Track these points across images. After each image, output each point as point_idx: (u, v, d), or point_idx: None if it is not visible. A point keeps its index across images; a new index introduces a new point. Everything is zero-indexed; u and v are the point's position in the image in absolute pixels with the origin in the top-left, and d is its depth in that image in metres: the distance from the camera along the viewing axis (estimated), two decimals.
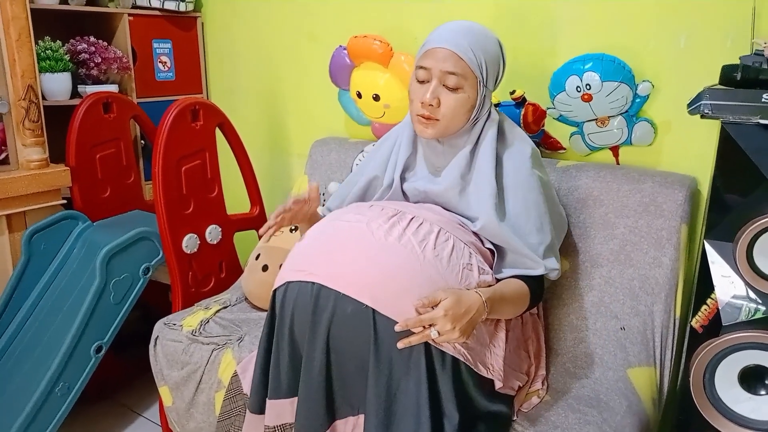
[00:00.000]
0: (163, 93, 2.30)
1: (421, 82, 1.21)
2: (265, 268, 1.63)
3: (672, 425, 1.36)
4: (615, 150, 1.58)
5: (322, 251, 1.16)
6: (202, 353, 1.51)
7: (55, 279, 1.82)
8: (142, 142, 2.27)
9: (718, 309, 1.20)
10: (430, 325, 1.02)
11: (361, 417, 1.13)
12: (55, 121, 2.00)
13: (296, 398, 1.15)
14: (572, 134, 1.61)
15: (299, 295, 1.12)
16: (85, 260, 1.79)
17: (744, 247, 1.14)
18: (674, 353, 1.39)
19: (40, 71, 1.93)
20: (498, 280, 1.21)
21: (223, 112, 1.90)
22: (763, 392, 1.18)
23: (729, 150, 1.15)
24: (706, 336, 1.21)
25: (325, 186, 1.94)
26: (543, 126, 1.62)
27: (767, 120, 1.10)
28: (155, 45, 2.28)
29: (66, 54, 2.03)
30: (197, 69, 2.44)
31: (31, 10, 1.80)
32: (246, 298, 1.73)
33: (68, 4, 2.07)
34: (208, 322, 1.60)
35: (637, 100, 1.48)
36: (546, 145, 1.66)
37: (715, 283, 1.20)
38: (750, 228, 1.13)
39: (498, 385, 1.18)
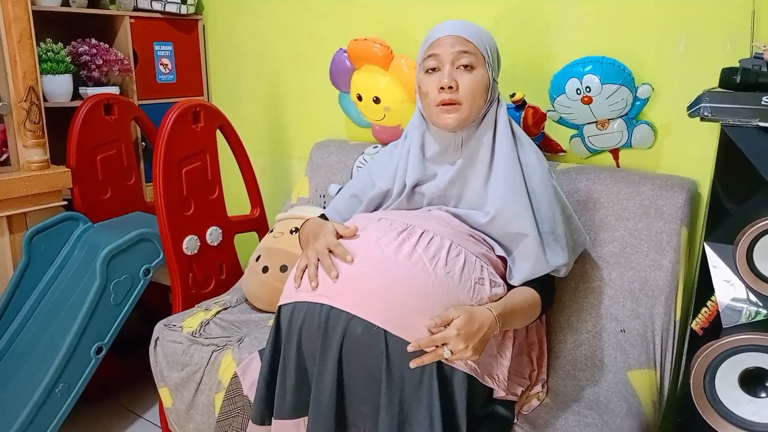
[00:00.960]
0: (164, 95, 2.31)
1: (432, 71, 1.21)
2: (265, 269, 1.63)
3: (672, 428, 1.36)
4: (615, 153, 1.58)
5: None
6: (202, 354, 1.51)
7: (56, 280, 1.83)
8: (143, 144, 2.28)
9: (718, 311, 1.20)
10: (443, 344, 1.02)
11: None
12: (56, 122, 2.01)
13: (300, 419, 1.15)
14: (572, 137, 1.61)
15: (307, 316, 1.10)
16: (86, 261, 1.79)
17: (744, 250, 1.14)
18: (674, 356, 1.39)
19: (41, 73, 1.93)
20: (510, 288, 1.21)
21: (223, 114, 1.90)
22: (763, 395, 1.18)
23: (729, 153, 1.15)
24: (707, 338, 1.21)
25: (325, 188, 1.94)
26: (543, 128, 1.62)
27: (767, 123, 1.10)
28: (156, 47, 2.28)
29: (67, 56, 2.04)
30: (198, 71, 2.45)
31: (33, 12, 1.80)
32: (246, 300, 1.73)
33: (70, 6, 2.07)
34: (208, 323, 1.60)
35: (637, 102, 1.48)
36: (546, 147, 1.66)
37: (715, 285, 1.20)
38: (750, 230, 1.13)
39: (501, 394, 1.17)
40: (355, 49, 1.76)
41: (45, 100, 1.96)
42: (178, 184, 1.75)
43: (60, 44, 2.01)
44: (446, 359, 1.03)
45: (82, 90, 2.11)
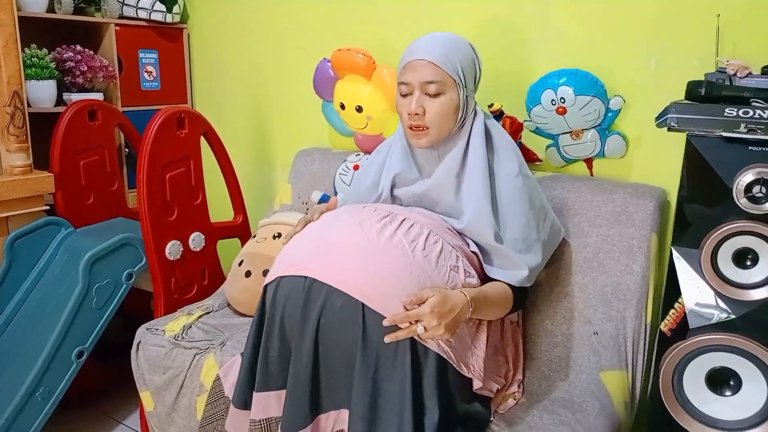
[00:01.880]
0: (148, 102, 2.33)
1: (405, 95, 1.27)
2: (248, 274, 1.65)
3: (645, 427, 1.41)
4: (589, 162, 1.64)
5: (315, 248, 1.19)
6: (185, 357, 1.52)
7: (37, 285, 1.83)
8: (126, 150, 2.29)
9: (685, 313, 1.25)
10: (417, 321, 1.07)
11: (343, 412, 1.16)
12: (40, 128, 2.01)
13: (282, 391, 1.18)
14: (548, 146, 1.67)
15: (292, 289, 1.15)
16: (68, 266, 1.80)
17: (709, 254, 1.20)
18: (645, 358, 1.44)
19: (26, 78, 1.94)
20: (483, 282, 1.26)
21: (207, 121, 1.93)
22: (728, 393, 1.23)
23: (694, 161, 1.22)
24: (675, 339, 1.26)
25: (308, 195, 1.97)
26: (520, 138, 1.67)
27: (729, 133, 1.16)
28: (141, 55, 2.30)
29: (52, 62, 2.05)
30: (182, 79, 2.47)
31: (19, 17, 1.82)
32: (229, 304, 1.75)
33: (55, 12, 2.09)
34: (190, 327, 1.62)
35: (610, 114, 1.54)
36: (523, 157, 1.71)
37: (682, 288, 1.25)
38: (714, 235, 1.19)
39: (477, 385, 1.21)
40: (338, 58, 1.80)
41: (29, 105, 1.97)
42: (161, 190, 1.76)
43: (45, 50, 2.03)
44: (419, 336, 1.08)
45: (66, 96, 2.12)
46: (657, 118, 1.28)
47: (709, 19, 1.39)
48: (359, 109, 1.82)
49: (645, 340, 1.44)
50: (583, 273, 1.49)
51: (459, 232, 1.28)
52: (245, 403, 1.25)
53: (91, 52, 2.15)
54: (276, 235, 1.70)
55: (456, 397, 1.19)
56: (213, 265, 1.95)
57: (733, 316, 1.21)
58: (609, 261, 1.47)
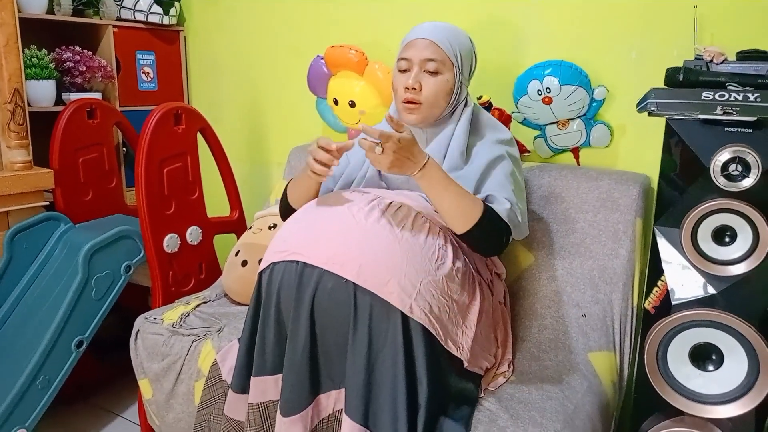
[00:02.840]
0: (145, 102, 2.37)
1: (403, 71, 1.32)
2: (244, 263, 1.69)
3: (631, 406, 1.45)
4: (575, 152, 1.69)
5: (305, 233, 1.23)
6: (183, 344, 1.55)
7: (37, 278, 1.86)
8: (124, 149, 2.33)
9: (667, 290, 1.29)
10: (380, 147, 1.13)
11: (343, 391, 1.19)
12: (40, 127, 2.05)
13: (279, 375, 1.21)
14: (536, 137, 1.72)
15: (285, 274, 1.19)
16: (67, 260, 1.83)
17: (689, 232, 1.24)
18: (632, 340, 1.48)
19: (26, 78, 1.99)
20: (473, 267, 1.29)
21: (204, 117, 1.97)
22: (711, 368, 1.27)
23: (673, 143, 1.26)
24: (658, 316, 1.30)
25: None
26: (509, 129, 1.72)
27: (707, 115, 1.21)
28: (139, 56, 2.35)
29: (51, 62, 2.09)
30: (179, 80, 2.52)
31: (19, 18, 1.87)
32: (226, 294, 1.78)
33: (55, 14, 2.14)
34: (188, 315, 1.65)
35: (594, 103, 1.59)
36: None
37: (664, 266, 1.29)
38: (693, 213, 1.23)
39: (465, 363, 1.25)
40: (331, 55, 1.85)
41: (29, 104, 2.01)
42: (159, 183, 1.80)
43: (44, 50, 2.07)
44: (370, 157, 1.15)
45: (65, 95, 2.16)
46: (638, 104, 1.33)
47: (686, 10, 1.45)
48: (352, 104, 1.87)
49: (632, 322, 1.48)
50: (570, 257, 1.54)
51: None
52: (243, 388, 1.28)
53: (90, 53, 2.19)
54: (271, 225, 1.74)
55: (447, 373, 1.22)
56: (210, 259, 1.98)
57: (713, 292, 1.25)
58: (595, 246, 1.52)
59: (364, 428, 1.14)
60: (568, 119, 1.62)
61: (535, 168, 1.65)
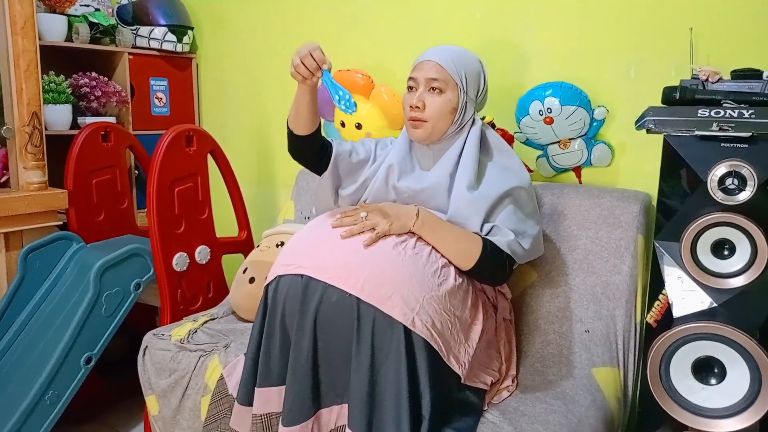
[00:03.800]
0: (157, 126, 2.43)
1: (411, 90, 1.38)
2: (251, 280, 1.71)
3: (635, 420, 1.44)
4: (577, 171, 1.72)
5: (310, 248, 1.26)
6: (190, 360, 1.57)
7: (49, 295, 1.89)
8: (136, 172, 2.39)
9: (669, 304, 1.31)
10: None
11: (345, 407, 1.19)
12: (55, 150, 2.11)
13: (283, 387, 1.22)
14: (538, 157, 1.75)
15: (290, 287, 1.22)
16: (78, 278, 1.86)
17: (688, 245, 1.26)
18: (636, 355, 1.49)
19: (44, 102, 2.05)
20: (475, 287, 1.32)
21: (214, 139, 2.02)
22: (713, 382, 1.27)
23: (671, 159, 1.29)
24: (660, 330, 1.31)
25: (309, 210, 2.05)
26: None
27: (703, 131, 1.24)
28: (152, 82, 2.43)
29: (68, 87, 2.16)
30: (191, 105, 2.59)
31: (40, 46, 1.95)
32: (233, 312, 1.80)
33: (73, 42, 2.22)
34: (196, 331, 1.67)
35: (594, 123, 1.63)
36: None
37: (665, 280, 1.31)
38: (692, 227, 1.25)
39: (462, 379, 1.26)
40: (338, 78, 1.90)
41: (46, 128, 2.07)
42: (170, 203, 1.85)
43: (62, 76, 2.15)
44: (363, 225, 1.23)
45: (80, 119, 2.23)
46: (637, 122, 1.37)
47: (683, 31, 1.49)
48: (359, 126, 1.92)
49: (635, 337, 1.49)
50: (573, 274, 1.55)
51: None
52: (249, 400, 1.30)
53: (106, 79, 2.27)
54: (279, 243, 1.77)
55: (450, 387, 1.23)
56: (218, 278, 2.01)
57: (714, 305, 1.26)
58: (598, 262, 1.54)
59: None
60: (570, 139, 1.65)
61: (538, 187, 1.68)
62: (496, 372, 1.37)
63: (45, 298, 1.89)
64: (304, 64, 1.25)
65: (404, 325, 1.14)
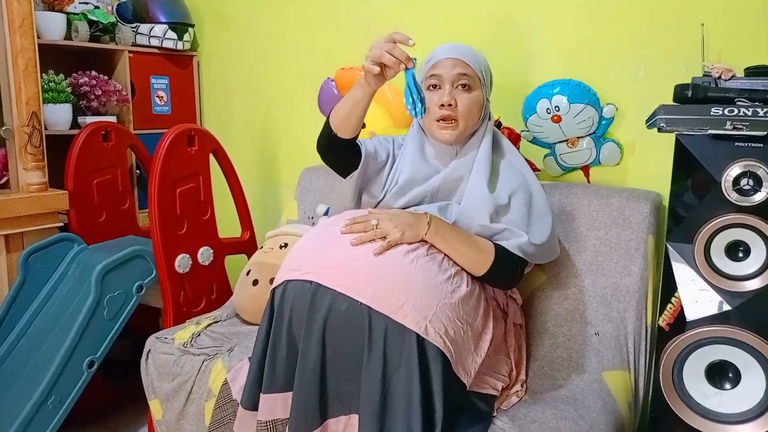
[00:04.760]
0: (159, 125, 2.41)
1: (433, 88, 1.34)
2: (255, 282, 1.69)
3: (647, 425, 1.42)
4: (586, 170, 1.69)
5: (319, 252, 1.23)
6: (193, 364, 1.55)
7: (50, 298, 1.87)
8: (138, 171, 2.36)
9: (681, 307, 1.28)
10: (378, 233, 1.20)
11: (353, 417, 1.17)
12: (56, 150, 2.09)
13: (290, 393, 1.20)
14: (546, 156, 1.72)
15: (297, 293, 1.19)
16: (80, 280, 1.84)
17: (702, 247, 1.24)
18: (647, 358, 1.46)
19: (43, 102, 2.03)
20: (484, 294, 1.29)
21: (216, 139, 2.00)
22: (728, 386, 1.25)
23: (683, 159, 1.26)
24: (673, 333, 1.28)
25: (313, 210, 2.02)
26: (518, 149, 1.73)
27: (716, 130, 1.21)
28: (153, 80, 2.40)
29: (68, 86, 2.14)
30: (192, 104, 2.56)
31: (38, 45, 1.92)
32: (236, 315, 1.78)
33: (72, 40, 2.19)
34: (199, 335, 1.65)
35: (603, 121, 1.60)
36: None
37: (678, 282, 1.28)
38: (705, 229, 1.22)
39: (467, 386, 1.23)
40: (342, 77, 1.88)
41: (46, 128, 2.05)
42: (172, 204, 1.82)
43: (61, 75, 2.12)
44: (374, 234, 1.19)
45: (81, 119, 2.20)
46: (647, 121, 1.34)
47: (694, 27, 1.46)
48: (363, 126, 1.88)
49: (646, 340, 1.47)
50: (582, 275, 1.53)
51: None
52: (253, 405, 1.27)
53: (106, 78, 2.24)
54: (282, 245, 1.74)
55: (460, 393, 1.21)
56: (221, 279, 1.99)
57: (728, 308, 1.24)
58: (608, 263, 1.51)
59: None
60: (578, 137, 1.62)
61: (546, 186, 1.64)
62: (506, 377, 1.35)
63: (47, 301, 1.87)
64: (392, 55, 1.18)
65: (417, 334, 1.11)
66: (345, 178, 1.44)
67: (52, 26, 2.12)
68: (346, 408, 1.18)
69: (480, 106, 1.34)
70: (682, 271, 1.28)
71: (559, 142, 1.65)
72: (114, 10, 2.36)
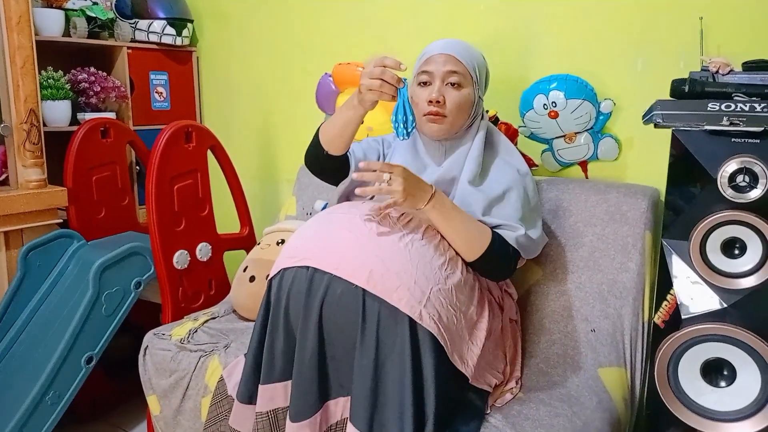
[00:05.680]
0: (158, 121, 2.40)
1: (424, 84, 1.33)
2: (252, 279, 1.69)
3: (642, 422, 1.41)
4: (583, 165, 1.68)
5: (316, 240, 1.24)
6: (190, 360, 1.56)
7: (50, 294, 1.88)
8: (137, 167, 2.37)
9: (677, 304, 1.27)
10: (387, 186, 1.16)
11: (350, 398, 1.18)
12: (55, 146, 2.09)
13: (289, 381, 1.21)
14: (543, 151, 1.71)
15: (294, 280, 1.20)
16: (79, 277, 1.85)
17: (697, 244, 1.23)
18: (644, 355, 1.45)
19: (42, 99, 2.03)
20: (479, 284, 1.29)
21: (214, 135, 2.00)
22: (723, 384, 1.24)
23: (680, 155, 1.25)
24: (668, 331, 1.28)
25: (311, 205, 2.02)
26: (516, 144, 1.72)
27: (713, 126, 1.20)
28: (152, 76, 2.40)
29: (67, 83, 2.14)
30: (191, 100, 2.56)
31: (36, 41, 1.92)
32: (234, 311, 1.78)
33: (71, 36, 2.19)
34: (196, 331, 1.65)
35: (601, 117, 1.59)
36: None
37: (673, 279, 1.27)
38: (701, 226, 1.21)
39: (469, 379, 1.23)
40: (339, 72, 1.87)
41: (44, 125, 2.05)
42: (170, 200, 1.82)
43: (60, 72, 2.12)
44: (380, 188, 1.16)
45: (80, 115, 2.20)
46: (644, 116, 1.33)
47: (692, 21, 1.44)
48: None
49: (643, 337, 1.46)
50: (579, 272, 1.52)
51: None
52: (250, 398, 1.28)
53: (105, 74, 2.24)
54: (280, 241, 1.74)
55: (454, 386, 1.21)
56: (219, 275, 1.99)
57: (724, 305, 1.23)
58: (604, 259, 1.50)
59: None
60: (575, 133, 1.61)
61: (543, 182, 1.64)
62: (500, 374, 1.34)
63: (46, 297, 1.88)
64: (387, 82, 1.21)
65: (410, 319, 1.12)
66: (336, 186, 1.45)
67: (51, 23, 2.12)
68: (344, 390, 1.20)
69: (470, 104, 1.34)
70: (677, 268, 1.27)
71: (556, 137, 1.64)
72: (112, 6, 2.36)
